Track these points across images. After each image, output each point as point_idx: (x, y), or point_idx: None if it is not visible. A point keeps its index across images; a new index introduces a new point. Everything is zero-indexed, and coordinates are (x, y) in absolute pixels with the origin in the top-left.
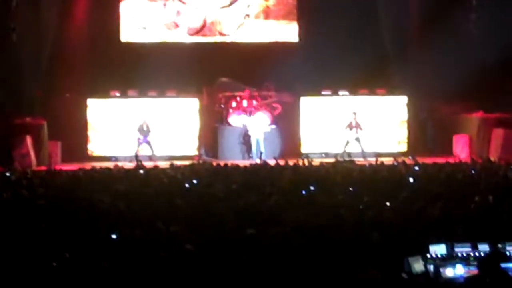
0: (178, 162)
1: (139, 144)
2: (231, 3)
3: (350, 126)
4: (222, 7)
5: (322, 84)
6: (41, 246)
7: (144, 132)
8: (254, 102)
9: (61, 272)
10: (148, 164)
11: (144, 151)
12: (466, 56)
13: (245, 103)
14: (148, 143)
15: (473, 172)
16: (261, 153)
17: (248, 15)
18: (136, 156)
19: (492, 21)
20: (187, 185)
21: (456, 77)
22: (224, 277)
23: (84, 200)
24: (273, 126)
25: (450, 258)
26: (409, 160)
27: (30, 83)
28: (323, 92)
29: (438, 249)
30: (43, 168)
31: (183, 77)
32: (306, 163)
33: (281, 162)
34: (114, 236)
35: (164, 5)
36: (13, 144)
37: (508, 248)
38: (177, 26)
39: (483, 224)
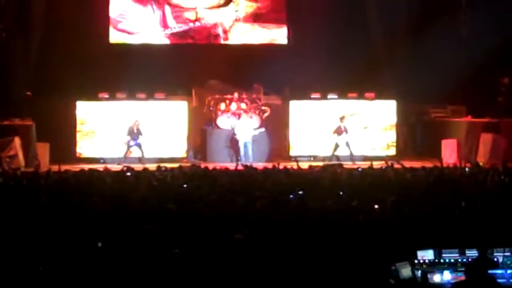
0: (166, 165)
1: (129, 146)
2: (220, 5)
3: (339, 131)
4: (211, 7)
5: (311, 87)
6: (28, 249)
7: (135, 134)
8: (243, 105)
9: (48, 276)
10: (138, 166)
11: (134, 153)
12: (455, 60)
13: (234, 105)
14: (139, 145)
15: (461, 177)
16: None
17: (237, 18)
18: (124, 159)
19: (482, 24)
20: (176, 188)
21: (445, 81)
22: (212, 281)
23: (72, 202)
24: (262, 130)
25: (437, 264)
26: (397, 164)
27: (19, 84)
28: (312, 96)
29: (425, 255)
30: (31, 169)
31: (172, 79)
32: (295, 167)
33: (269, 165)
34: (102, 240)
35: (152, 6)
36: (1, 145)
37: (495, 254)
38: (166, 28)
39: (471, 230)
